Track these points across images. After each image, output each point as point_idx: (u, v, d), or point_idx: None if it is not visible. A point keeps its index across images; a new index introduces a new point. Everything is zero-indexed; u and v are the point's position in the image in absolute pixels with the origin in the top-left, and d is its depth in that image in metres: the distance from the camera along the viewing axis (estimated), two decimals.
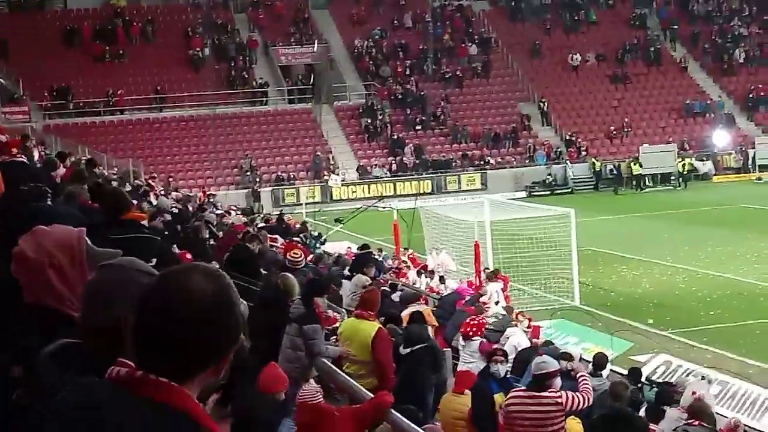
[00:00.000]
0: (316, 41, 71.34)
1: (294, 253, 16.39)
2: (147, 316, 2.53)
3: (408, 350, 13.00)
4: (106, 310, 3.13)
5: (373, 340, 11.98)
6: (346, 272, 20.76)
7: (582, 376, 12.44)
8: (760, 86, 73.25)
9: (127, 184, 28.53)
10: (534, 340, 20.31)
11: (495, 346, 16.25)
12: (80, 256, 3.64)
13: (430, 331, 16.05)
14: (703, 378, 18.28)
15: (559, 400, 11.10)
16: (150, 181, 35.01)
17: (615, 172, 64.58)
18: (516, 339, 18.73)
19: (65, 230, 3.77)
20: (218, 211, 32.38)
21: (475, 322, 17.83)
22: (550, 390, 11.19)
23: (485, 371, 13.25)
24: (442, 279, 28.68)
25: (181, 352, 2.50)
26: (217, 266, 15.56)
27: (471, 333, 17.15)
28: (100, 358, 3.05)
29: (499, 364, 13.28)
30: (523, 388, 11.33)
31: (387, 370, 11.91)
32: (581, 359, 17.06)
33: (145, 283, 3.02)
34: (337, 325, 13.73)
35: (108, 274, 3.25)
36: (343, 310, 16.25)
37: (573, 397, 11.29)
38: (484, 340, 17.33)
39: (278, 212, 42.52)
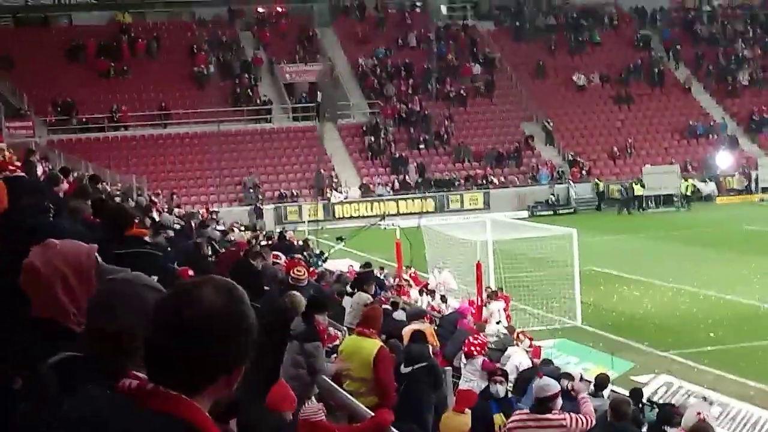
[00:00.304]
0: (319, 59, 71.46)
1: (297, 270, 16.40)
2: (158, 328, 2.55)
3: (408, 369, 13.00)
4: (110, 319, 3.16)
5: (375, 358, 11.97)
6: (348, 289, 20.76)
7: (583, 396, 12.44)
8: (764, 108, 73.36)
9: (130, 200, 28.54)
10: (535, 360, 20.31)
11: (497, 365, 16.27)
12: (88, 272, 3.68)
13: (431, 350, 16.04)
14: (705, 399, 18.26)
15: (564, 423, 11.11)
16: (153, 198, 35.02)
17: (625, 193, 64.28)
18: (517, 358, 18.72)
19: (75, 246, 3.81)
20: (220, 228, 32.39)
21: (478, 341, 17.81)
22: (552, 412, 11.20)
23: (485, 391, 13.26)
24: (443, 298, 28.68)
25: (191, 364, 2.51)
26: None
27: (474, 351, 17.12)
28: (103, 365, 3.08)
29: (499, 384, 13.28)
30: (526, 410, 11.32)
31: (388, 388, 11.90)
32: (582, 379, 17.06)
33: (156, 296, 3.06)
34: (338, 342, 13.73)
35: (114, 286, 3.29)
36: (345, 328, 16.25)
37: (577, 419, 11.31)
38: (486, 358, 17.31)
39: (280, 229, 42.58)
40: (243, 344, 2.57)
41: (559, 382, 12.09)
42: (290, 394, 9.00)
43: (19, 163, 20.62)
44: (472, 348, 17.15)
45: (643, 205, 63.82)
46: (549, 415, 11.12)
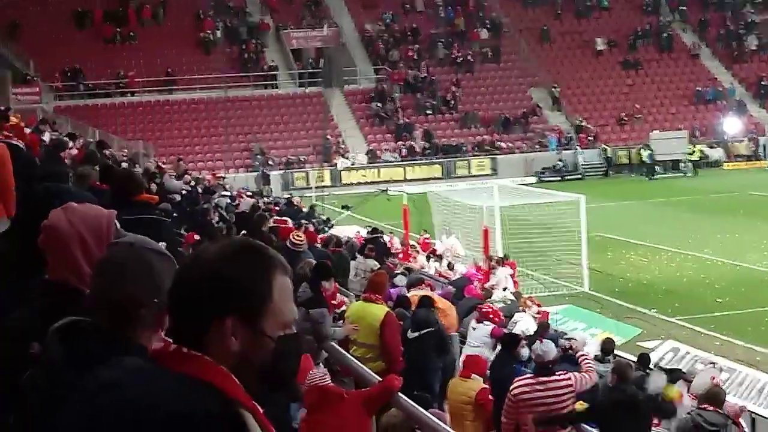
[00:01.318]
0: (325, 25, 71.24)
1: (297, 236, 16.37)
2: (173, 287, 2.60)
3: (416, 334, 13.03)
4: (116, 286, 3.16)
5: (381, 323, 11.99)
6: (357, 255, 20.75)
7: (582, 355, 12.45)
8: None
9: (137, 165, 28.55)
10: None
11: (504, 331, 16.27)
12: (108, 238, 3.68)
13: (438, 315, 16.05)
14: (713, 365, 18.29)
15: (570, 382, 11.17)
16: (160, 164, 35.00)
17: (650, 159, 64.02)
18: (524, 324, 18.73)
19: (96, 210, 3.81)
20: (226, 194, 32.35)
21: (495, 307, 17.82)
22: (557, 373, 11.27)
23: (504, 356, 13.22)
24: (450, 264, 28.69)
25: (186, 310, 2.54)
26: None
27: (492, 317, 17.01)
28: (107, 330, 3.09)
29: (521, 348, 13.36)
30: (530, 374, 11.35)
31: (395, 353, 11.93)
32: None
33: (161, 260, 3.08)
34: (344, 308, 13.75)
35: (118, 251, 3.28)
36: (351, 294, 16.27)
37: (581, 377, 11.38)
38: (496, 326, 17.27)
39: (287, 195, 42.59)
40: (233, 292, 2.54)
41: (557, 344, 12.14)
42: (305, 366, 9.00)
43: (29, 130, 20.64)
44: (489, 314, 17.06)
45: (652, 171, 63.67)
46: (554, 377, 11.18)
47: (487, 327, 16.65)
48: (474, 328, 16.96)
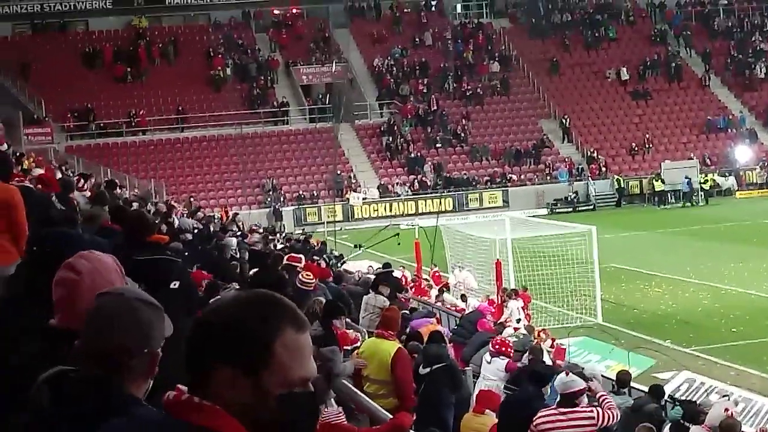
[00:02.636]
0: (335, 60, 71.48)
1: (305, 275, 16.37)
2: (189, 338, 2.60)
3: (427, 370, 13.00)
4: (105, 336, 3.17)
5: (393, 359, 11.97)
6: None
7: (603, 395, 12.40)
8: None
9: (150, 204, 28.60)
10: (558, 362, 20.22)
11: (518, 365, 16.22)
12: (121, 282, 3.71)
13: (450, 350, 16.00)
14: (726, 396, 18.18)
15: (592, 415, 11.14)
16: (172, 203, 35.06)
17: (687, 186, 63.90)
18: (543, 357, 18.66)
19: (109, 258, 3.84)
20: (237, 231, 32.34)
21: (508, 341, 17.74)
22: (582, 406, 11.23)
23: (535, 392, 13.08)
24: (463, 297, 28.66)
25: (191, 357, 2.55)
26: (238, 287, 15.58)
27: (504, 350, 17.01)
28: (96, 381, 3.09)
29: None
30: (553, 406, 11.31)
31: (407, 389, 11.89)
32: (603, 377, 17.01)
33: (150, 310, 3.10)
34: (358, 344, 13.73)
35: (107, 301, 3.29)
36: (364, 330, 16.24)
37: (604, 413, 11.33)
38: (511, 360, 17.19)
39: (300, 231, 42.62)
40: (240, 343, 2.54)
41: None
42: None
43: (41, 170, 20.70)
44: (503, 348, 17.03)
45: (664, 201, 63.62)
46: (577, 409, 11.15)
47: (502, 361, 16.60)
48: (489, 362, 16.91)
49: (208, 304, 2.65)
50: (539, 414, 11.20)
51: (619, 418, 11.79)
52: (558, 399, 11.58)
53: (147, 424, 2.56)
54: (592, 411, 11.22)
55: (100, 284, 3.64)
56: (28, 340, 3.76)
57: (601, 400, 11.92)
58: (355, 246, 39.29)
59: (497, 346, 17.01)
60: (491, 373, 16.51)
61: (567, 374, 11.53)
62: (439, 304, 26.88)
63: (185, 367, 2.58)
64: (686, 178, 64.17)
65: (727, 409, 12.22)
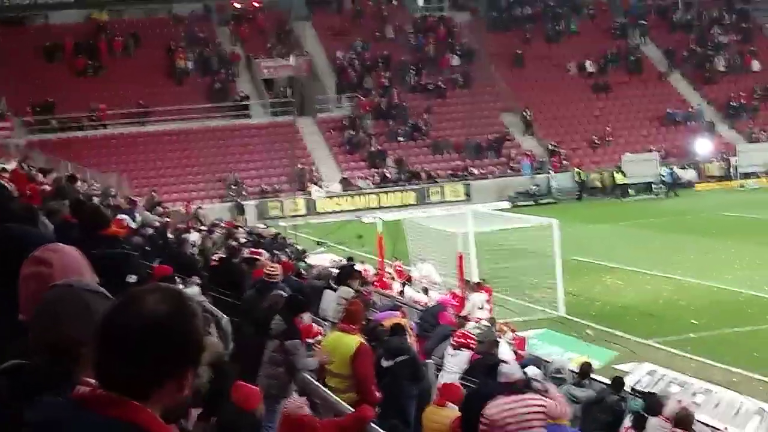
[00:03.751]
0: (291, 55, 71.21)
1: (270, 267, 16.37)
2: (103, 336, 2.60)
3: (390, 363, 12.99)
4: (55, 328, 3.14)
5: (354, 354, 11.97)
6: (332, 285, 20.68)
7: (551, 391, 12.40)
8: (741, 94, 73.65)
9: (110, 198, 28.43)
10: (519, 352, 20.32)
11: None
12: (89, 275, 3.69)
13: (412, 341, 16.01)
14: (685, 387, 18.31)
15: (542, 403, 11.18)
16: (132, 197, 34.87)
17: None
18: (500, 350, 18.69)
19: (78, 252, 3.81)
20: (199, 226, 32.22)
21: (471, 333, 17.78)
22: (531, 394, 11.29)
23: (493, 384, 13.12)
24: (425, 290, 28.67)
25: (134, 369, 2.55)
26: (199, 281, 15.50)
27: (470, 344, 17.03)
28: (49, 376, 3.07)
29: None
30: (502, 396, 11.32)
31: (367, 384, 11.88)
32: (567, 370, 17.07)
33: (101, 300, 3.06)
34: (320, 338, 13.71)
35: (54, 293, 3.26)
36: (327, 324, 16.23)
37: (555, 404, 11.37)
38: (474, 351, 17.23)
39: (263, 225, 42.51)
40: (186, 349, 2.62)
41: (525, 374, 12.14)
42: (253, 389, 8.99)
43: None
44: (468, 341, 17.06)
45: (624, 194, 63.99)
46: (527, 395, 11.20)
47: (466, 354, 16.62)
48: (451, 355, 16.95)
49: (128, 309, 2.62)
50: (489, 404, 11.22)
51: (569, 415, 11.80)
52: (503, 388, 11.58)
53: (71, 420, 2.56)
54: (542, 399, 11.27)
55: (70, 277, 3.60)
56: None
57: (552, 394, 11.93)
58: (318, 243, 39.21)
59: (460, 339, 17.04)
60: (455, 366, 16.53)
61: (506, 363, 11.57)
62: (401, 297, 26.89)
63: (115, 370, 2.57)
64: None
65: (680, 401, 12.31)
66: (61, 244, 3.93)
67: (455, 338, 17.18)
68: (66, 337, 3.13)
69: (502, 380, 11.31)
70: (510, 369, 11.45)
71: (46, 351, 3.16)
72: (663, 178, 64.66)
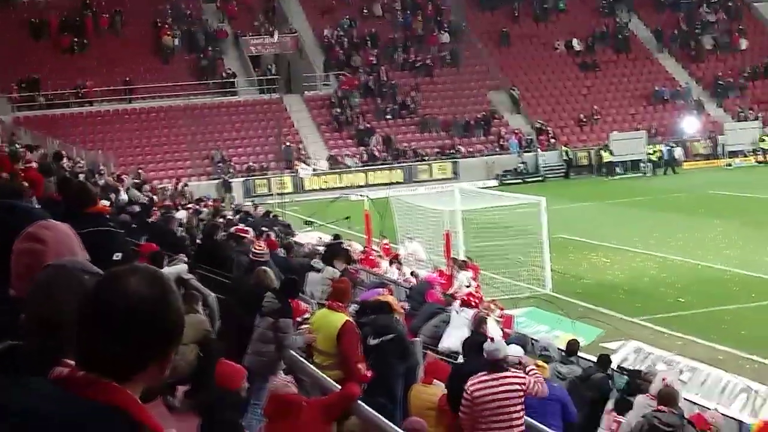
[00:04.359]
0: (283, 31, 71.02)
1: (258, 246, 16.39)
2: (86, 316, 2.58)
3: (377, 341, 13.01)
4: (49, 309, 3.12)
5: (339, 331, 11.98)
6: (316, 263, 20.68)
7: (532, 369, 12.43)
8: (729, 72, 73.73)
9: (97, 176, 28.36)
10: (506, 330, 20.35)
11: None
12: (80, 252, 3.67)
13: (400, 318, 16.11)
14: (671, 364, 18.37)
15: (523, 380, 11.23)
16: (121, 176, 34.77)
17: (666, 155, 65.05)
18: (488, 328, 18.74)
19: (70, 229, 3.79)
20: (186, 203, 32.17)
21: (478, 294, 19.14)
22: (512, 371, 11.36)
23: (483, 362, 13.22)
24: (413, 274, 28.67)
25: (117, 353, 2.53)
26: (187, 258, 15.48)
27: (473, 303, 18.40)
28: (41, 358, 3.04)
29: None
30: (483, 372, 11.37)
31: (351, 362, 11.90)
32: (554, 348, 17.12)
33: (89, 283, 3.03)
34: (307, 315, 13.73)
35: (47, 273, 3.24)
36: (313, 302, 16.25)
37: (534, 382, 11.42)
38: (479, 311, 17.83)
39: (250, 203, 42.44)
40: (170, 333, 2.60)
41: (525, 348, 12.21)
42: (237, 368, 9.01)
43: None
44: (471, 299, 18.25)
45: (611, 172, 64.07)
46: (507, 374, 11.26)
47: (471, 310, 17.70)
48: (457, 312, 18.21)
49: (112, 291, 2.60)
50: (471, 380, 11.27)
51: (546, 393, 11.84)
52: (487, 365, 11.63)
53: (49, 400, 2.54)
54: (523, 377, 11.34)
55: (63, 254, 3.59)
56: None
57: (530, 373, 11.96)
58: (306, 223, 39.15)
59: (467, 298, 18.76)
60: (462, 321, 17.37)
61: (492, 341, 11.62)
62: (388, 275, 26.88)
63: (97, 352, 2.56)
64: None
65: (664, 378, 12.35)
66: (54, 221, 3.91)
67: (462, 300, 18.96)
68: (60, 317, 3.11)
69: (487, 358, 11.36)
70: (494, 347, 11.50)
71: (39, 332, 3.14)
72: (661, 155, 64.79)
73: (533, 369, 12.19)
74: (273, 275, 13.52)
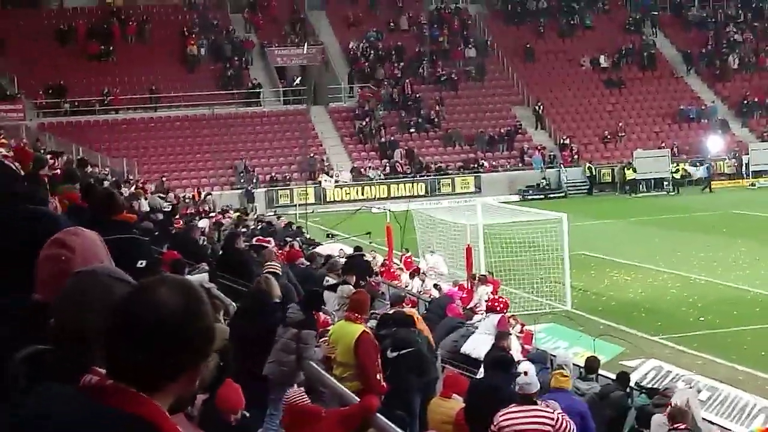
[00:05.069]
0: (306, 44, 71.20)
1: (271, 258, 16.45)
2: (116, 327, 2.59)
3: (395, 354, 13.02)
4: (79, 316, 3.14)
5: (356, 342, 12.02)
6: (328, 281, 20.57)
7: (560, 412, 12.36)
8: (755, 92, 73.43)
9: (122, 186, 28.48)
10: (527, 346, 20.33)
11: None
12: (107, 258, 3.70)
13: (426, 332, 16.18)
14: (690, 384, 18.30)
15: (552, 416, 11.13)
16: (144, 185, 34.94)
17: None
18: (509, 344, 18.74)
19: (98, 237, 3.82)
20: (209, 212, 32.28)
21: (503, 299, 19.73)
22: (542, 406, 11.26)
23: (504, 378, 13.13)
24: (436, 287, 28.66)
25: (148, 364, 2.54)
26: (208, 267, 15.53)
27: (498, 308, 18.65)
28: (70, 364, 3.06)
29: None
30: (514, 404, 11.29)
31: (369, 373, 11.92)
32: (571, 365, 17.08)
33: (118, 292, 3.05)
34: (328, 328, 13.75)
35: (80, 280, 3.26)
36: (334, 314, 16.26)
37: (562, 418, 11.30)
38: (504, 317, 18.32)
39: (272, 213, 42.51)
40: (201, 343, 2.61)
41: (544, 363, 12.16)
42: (238, 398, 9.01)
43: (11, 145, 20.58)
44: (496, 305, 18.71)
45: (635, 190, 63.87)
46: (537, 407, 11.16)
47: (495, 316, 18.11)
48: (486, 317, 18.60)
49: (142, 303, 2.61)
50: (500, 412, 11.20)
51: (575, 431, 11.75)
52: (518, 398, 11.56)
53: (64, 405, 2.56)
54: (552, 412, 11.23)
55: (90, 261, 3.60)
56: (8, 316, 3.72)
57: (558, 413, 11.85)
58: (328, 236, 39.18)
59: (491, 304, 19.33)
60: (486, 328, 17.71)
61: (526, 374, 11.51)
62: (409, 288, 26.90)
63: (131, 362, 2.57)
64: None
65: (677, 404, 12.31)
66: (82, 228, 3.93)
67: (488, 302, 19.62)
68: (90, 325, 3.12)
69: (518, 392, 11.27)
70: (527, 380, 11.38)
71: (68, 338, 3.16)
72: (686, 174, 64.69)
73: (561, 413, 12.02)
74: (275, 283, 13.48)
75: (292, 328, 11.79)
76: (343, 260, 24.24)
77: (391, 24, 75.87)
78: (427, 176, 64.00)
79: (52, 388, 2.66)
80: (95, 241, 3.77)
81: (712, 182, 63.75)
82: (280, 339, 11.87)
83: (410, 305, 17.88)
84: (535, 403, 11.24)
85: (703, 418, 14.33)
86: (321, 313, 14.44)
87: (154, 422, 2.50)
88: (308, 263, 23.43)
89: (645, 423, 13.79)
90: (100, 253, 3.73)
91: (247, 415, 8.98)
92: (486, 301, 18.81)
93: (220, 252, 20.30)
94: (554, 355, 19.17)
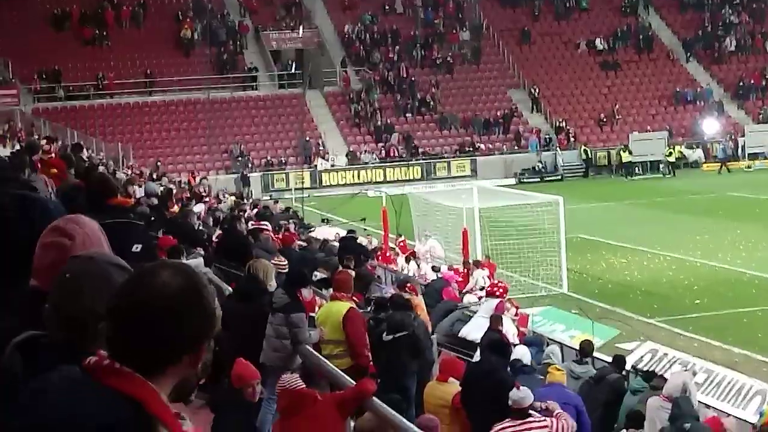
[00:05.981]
0: (304, 26, 71.10)
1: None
2: (118, 311, 2.61)
3: (390, 337, 13.03)
4: (75, 301, 3.13)
5: (344, 318, 12.15)
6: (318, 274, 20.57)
7: (558, 412, 12.36)
8: (751, 74, 73.37)
9: (117, 171, 28.45)
10: (522, 329, 20.33)
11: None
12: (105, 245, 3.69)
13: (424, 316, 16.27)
14: (686, 367, 18.30)
15: (547, 424, 11.14)
16: (140, 169, 34.90)
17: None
18: (503, 326, 18.73)
19: (97, 225, 3.81)
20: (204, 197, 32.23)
21: (502, 284, 19.74)
22: (535, 417, 11.25)
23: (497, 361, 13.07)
24: (434, 268, 28.66)
25: (149, 346, 2.57)
26: (203, 252, 15.49)
27: (497, 292, 18.71)
28: (67, 349, 3.06)
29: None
30: (508, 419, 11.26)
31: (358, 347, 12.11)
32: (567, 346, 17.11)
33: (121, 274, 3.06)
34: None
35: (77, 265, 3.25)
36: (327, 295, 16.29)
37: (559, 423, 11.30)
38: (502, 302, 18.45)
39: (268, 197, 42.46)
40: (202, 325, 2.63)
41: (539, 348, 12.12)
42: (252, 371, 8.98)
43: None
44: (496, 290, 18.74)
45: (631, 172, 63.87)
46: (530, 419, 11.17)
47: (494, 300, 18.17)
48: (485, 301, 18.68)
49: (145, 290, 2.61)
50: (495, 427, 11.18)
51: (574, 429, 11.75)
52: (511, 412, 11.51)
53: (61, 383, 2.57)
54: (546, 421, 11.24)
55: (90, 249, 3.59)
56: (8, 305, 3.70)
57: (556, 414, 11.84)
58: (323, 220, 39.15)
59: (491, 289, 19.22)
60: (484, 312, 17.76)
61: (518, 388, 11.47)
62: (405, 272, 26.88)
63: (131, 345, 2.59)
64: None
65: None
66: (83, 216, 3.91)
67: (488, 287, 19.54)
68: (86, 310, 3.12)
69: (513, 406, 11.25)
70: (520, 395, 11.35)
71: (65, 323, 3.15)
72: (680, 156, 64.77)
73: (559, 413, 12.00)
74: (269, 265, 13.42)
75: (280, 312, 11.78)
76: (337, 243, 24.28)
77: (386, 7, 75.71)
78: (423, 159, 63.97)
79: (61, 369, 2.69)
80: (96, 231, 3.76)
81: (727, 163, 63.82)
82: (271, 325, 11.86)
83: (413, 293, 17.80)
84: (530, 416, 11.23)
85: (700, 402, 14.32)
86: (315, 297, 14.44)
87: (143, 402, 2.51)
88: (305, 245, 23.44)
89: (640, 405, 13.75)
90: (100, 241, 3.72)
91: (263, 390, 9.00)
92: (486, 286, 18.80)
93: (221, 235, 20.27)
94: (552, 339, 19.21)
